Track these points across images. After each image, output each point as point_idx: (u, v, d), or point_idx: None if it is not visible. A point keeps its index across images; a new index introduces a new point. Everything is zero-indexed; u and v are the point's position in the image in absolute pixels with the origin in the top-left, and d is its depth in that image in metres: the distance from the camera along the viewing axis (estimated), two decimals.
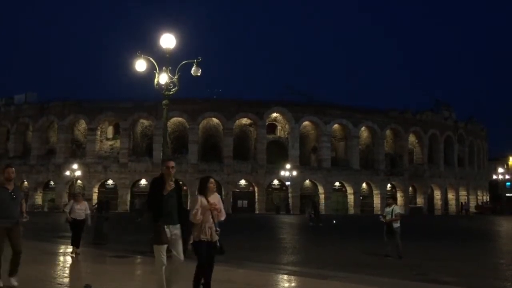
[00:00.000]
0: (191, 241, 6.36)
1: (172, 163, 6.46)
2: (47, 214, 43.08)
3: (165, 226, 6.12)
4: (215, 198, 6.47)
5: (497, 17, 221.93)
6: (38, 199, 54.66)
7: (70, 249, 12.35)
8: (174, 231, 6.22)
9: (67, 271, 9.41)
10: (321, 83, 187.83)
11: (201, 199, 6.36)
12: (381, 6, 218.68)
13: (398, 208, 14.05)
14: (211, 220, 6.35)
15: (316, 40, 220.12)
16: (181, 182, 58.39)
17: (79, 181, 52.37)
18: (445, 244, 18.58)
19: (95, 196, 52.79)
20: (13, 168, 7.38)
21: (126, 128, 53.27)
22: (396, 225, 13.20)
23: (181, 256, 6.24)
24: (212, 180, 6.54)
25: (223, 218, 6.52)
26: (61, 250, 13.31)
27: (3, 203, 7.03)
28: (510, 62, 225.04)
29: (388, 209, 13.63)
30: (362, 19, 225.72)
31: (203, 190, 6.45)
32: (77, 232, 12.26)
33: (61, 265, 10.59)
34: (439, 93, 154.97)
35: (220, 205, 6.49)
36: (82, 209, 12.51)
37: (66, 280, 8.33)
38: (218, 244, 6.43)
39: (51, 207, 52.31)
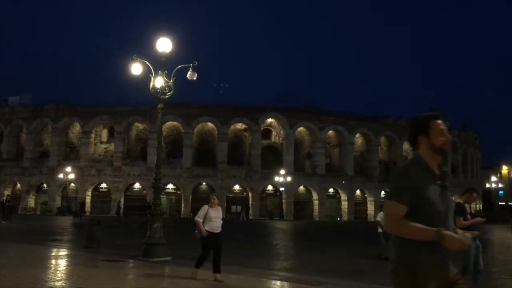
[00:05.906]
0: None
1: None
2: (40, 217, 42.85)
3: None
4: None
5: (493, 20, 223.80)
6: (31, 201, 54.42)
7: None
8: None
9: (59, 275, 9.34)
10: (316, 88, 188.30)
11: None
12: (375, 13, 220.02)
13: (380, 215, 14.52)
14: None
15: (312, 44, 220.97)
16: (174, 187, 58.00)
17: (72, 184, 52.14)
18: None
19: (88, 200, 52.61)
20: None
21: (120, 132, 53.19)
22: (379, 230, 13.79)
23: None
24: None
25: None
26: (53, 254, 13.23)
27: (439, 216, 2.77)
28: (504, 71, 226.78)
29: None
30: (357, 25, 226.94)
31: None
32: (215, 251, 8.74)
33: (53, 268, 10.51)
34: (433, 101, 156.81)
35: None
36: (219, 217, 8.93)
37: (58, 283, 8.26)
38: None
39: (44, 210, 52.09)
